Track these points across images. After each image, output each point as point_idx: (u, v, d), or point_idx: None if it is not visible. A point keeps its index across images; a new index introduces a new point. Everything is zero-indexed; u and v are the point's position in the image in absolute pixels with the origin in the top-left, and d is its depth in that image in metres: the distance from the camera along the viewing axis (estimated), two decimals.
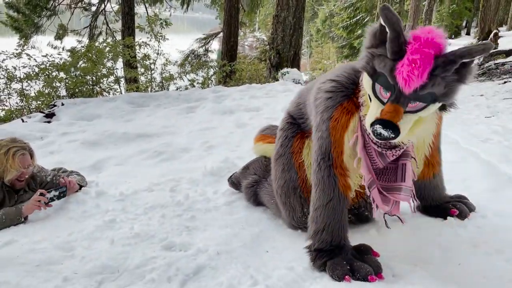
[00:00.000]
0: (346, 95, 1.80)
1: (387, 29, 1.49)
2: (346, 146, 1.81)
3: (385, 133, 1.51)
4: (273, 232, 2.23)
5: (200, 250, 2.03)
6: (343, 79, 1.82)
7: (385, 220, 2.00)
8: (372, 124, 1.55)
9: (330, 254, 1.79)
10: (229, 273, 1.85)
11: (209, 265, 1.91)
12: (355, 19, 22.99)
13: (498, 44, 13.52)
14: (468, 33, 29.20)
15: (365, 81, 1.65)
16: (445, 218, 2.17)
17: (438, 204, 2.26)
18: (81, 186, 2.86)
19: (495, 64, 10.64)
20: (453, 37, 26.12)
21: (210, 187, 2.91)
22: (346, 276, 1.69)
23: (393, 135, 1.51)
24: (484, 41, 1.58)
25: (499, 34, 15.21)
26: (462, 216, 2.18)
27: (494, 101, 6.35)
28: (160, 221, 2.39)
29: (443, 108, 1.70)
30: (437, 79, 1.46)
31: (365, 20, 22.37)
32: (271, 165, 2.30)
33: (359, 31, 22.73)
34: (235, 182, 2.76)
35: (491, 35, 13.80)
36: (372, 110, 1.60)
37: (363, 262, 1.74)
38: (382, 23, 1.50)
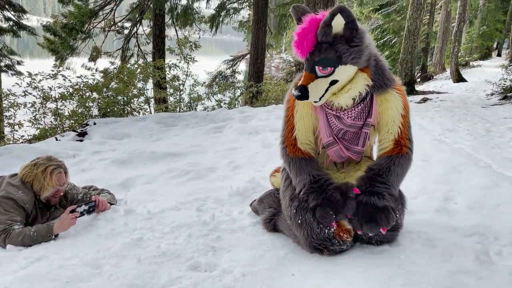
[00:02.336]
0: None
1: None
2: (297, 122, 2.24)
3: (295, 93, 2.03)
4: (298, 255, 2.20)
5: (226, 271, 2.02)
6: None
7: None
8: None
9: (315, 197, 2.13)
10: None
11: (234, 286, 1.90)
12: (382, 40, 22.89)
13: None
14: (499, 55, 28.62)
15: None
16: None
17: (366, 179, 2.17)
18: (111, 204, 2.92)
19: None
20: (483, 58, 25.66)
21: (236, 207, 2.92)
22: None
23: (300, 94, 2.01)
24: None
25: None
26: (356, 222, 2.08)
27: None
28: (186, 240, 2.40)
29: (378, 85, 2.09)
30: (322, 45, 1.94)
31: (393, 41, 22.26)
32: (280, 196, 2.42)
33: (387, 52, 22.61)
34: (255, 210, 2.78)
35: None
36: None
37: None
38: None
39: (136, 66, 8.83)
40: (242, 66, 18.32)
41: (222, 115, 6.95)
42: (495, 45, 30.05)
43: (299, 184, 2.20)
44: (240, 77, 17.03)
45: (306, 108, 2.22)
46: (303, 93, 2.00)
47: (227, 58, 17.26)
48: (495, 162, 3.83)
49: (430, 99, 12.07)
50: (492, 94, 11.27)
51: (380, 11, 22.04)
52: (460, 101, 10.92)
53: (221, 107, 10.08)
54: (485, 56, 26.58)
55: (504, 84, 11.32)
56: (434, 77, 21.68)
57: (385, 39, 22.67)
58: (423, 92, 14.62)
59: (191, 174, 3.80)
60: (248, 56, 15.15)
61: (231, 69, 16.59)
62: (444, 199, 2.90)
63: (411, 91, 14.83)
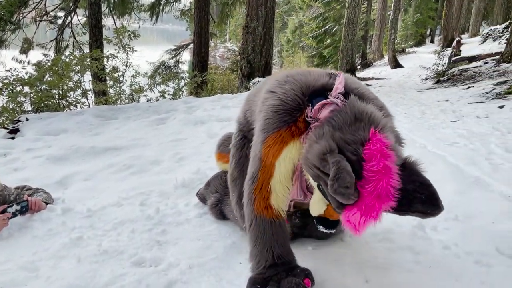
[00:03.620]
0: (285, 121, 1.63)
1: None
2: (277, 171, 1.68)
3: (327, 231, 1.73)
4: (246, 243, 2.19)
5: (172, 265, 1.97)
6: (288, 100, 1.65)
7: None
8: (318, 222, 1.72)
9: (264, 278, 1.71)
10: (201, 286, 1.80)
11: (181, 279, 1.86)
12: (324, 28, 23.40)
13: (461, 51, 14.04)
14: (432, 41, 30.25)
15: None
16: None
17: None
18: (47, 203, 2.75)
19: (458, 70, 11.02)
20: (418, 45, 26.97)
21: (182, 200, 2.86)
22: None
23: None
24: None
25: (462, 41, 15.79)
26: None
27: (459, 106, 6.56)
28: (130, 236, 2.31)
29: None
30: None
31: (334, 29, 22.82)
32: (229, 186, 2.24)
33: (328, 41, 23.16)
34: (202, 198, 2.74)
35: (454, 42, 14.30)
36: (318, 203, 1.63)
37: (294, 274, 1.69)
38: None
39: (71, 57, 8.38)
40: (186, 56, 18.03)
41: (166, 106, 6.79)
42: (428, 32, 31.69)
43: (255, 257, 1.77)
44: (184, 67, 16.75)
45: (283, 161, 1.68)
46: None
47: (170, 48, 16.90)
48: (429, 143, 4.04)
49: (370, 85, 12.53)
50: (426, 79, 11.90)
51: (320, 0, 22.46)
52: (397, 86, 11.44)
53: (165, 98, 9.86)
54: (420, 42, 28.00)
55: (437, 69, 11.98)
56: (374, 63, 22.55)
57: (327, 27, 23.18)
58: (364, 79, 15.16)
59: (133, 168, 3.67)
60: (191, 45, 14.92)
61: (174, 59, 16.27)
62: None
63: None
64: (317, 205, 1.64)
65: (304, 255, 1.92)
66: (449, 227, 2.21)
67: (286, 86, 1.70)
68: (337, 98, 1.60)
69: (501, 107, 5.80)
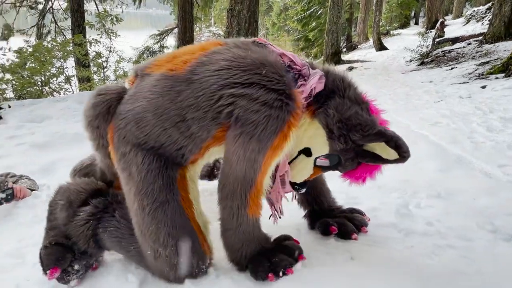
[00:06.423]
0: (283, 119, 1.47)
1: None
2: (271, 168, 1.59)
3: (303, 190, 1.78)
4: None
5: None
6: (281, 86, 1.48)
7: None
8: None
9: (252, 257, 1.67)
10: None
11: None
12: (309, 11, 23.25)
13: (444, 32, 14.12)
14: (416, 23, 30.32)
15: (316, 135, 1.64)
16: (326, 234, 1.96)
17: (326, 212, 2.05)
18: (32, 190, 2.73)
19: (442, 51, 11.11)
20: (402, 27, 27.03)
21: None
22: (269, 275, 1.59)
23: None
24: None
25: (445, 23, 15.87)
26: (344, 236, 1.94)
27: (442, 87, 6.64)
28: None
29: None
30: None
31: (319, 12, 22.70)
32: (138, 215, 1.62)
33: (313, 24, 23.04)
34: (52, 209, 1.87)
35: (438, 24, 14.37)
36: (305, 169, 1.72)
37: (283, 251, 1.68)
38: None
39: (53, 43, 8.21)
40: (171, 41, 17.78)
41: None
42: (412, 14, 31.73)
43: (243, 250, 1.67)
44: (169, 52, 16.51)
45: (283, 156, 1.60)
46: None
47: (154, 32, 16.64)
48: (413, 123, 4.10)
49: (356, 68, 12.57)
50: (411, 61, 11.97)
51: None
52: (382, 69, 11.49)
53: None
54: (404, 24, 28.02)
55: (421, 50, 12.05)
56: (359, 46, 22.56)
57: (312, 10, 23.05)
58: (349, 61, 15.19)
59: None
60: (176, 30, 14.70)
61: (159, 43, 16.06)
62: None
63: (338, 60, 15.31)
64: (302, 174, 1.73)
65: (290, 233, 1.94)
66: (432, 204, 2.26)
67: (267, 72, 1.50)
68: (305, 67, 1.63)
69: (483, 87, 5.88)
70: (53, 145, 4.02)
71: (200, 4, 16.33)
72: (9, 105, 5.59)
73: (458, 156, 2.99)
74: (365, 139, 1.55)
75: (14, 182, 2.74)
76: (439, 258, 1.74)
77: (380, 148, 1.56)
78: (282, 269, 1.61)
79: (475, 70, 7.47)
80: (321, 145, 1.64)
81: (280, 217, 1.82)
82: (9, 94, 7.09)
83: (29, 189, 2.72)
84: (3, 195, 2.49)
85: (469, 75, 7.19)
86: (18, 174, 2.93)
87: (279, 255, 1.66)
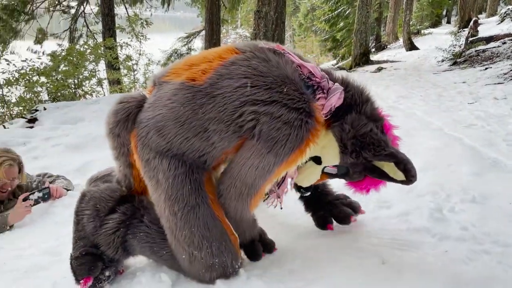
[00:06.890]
0: (308, 129, 1.52)
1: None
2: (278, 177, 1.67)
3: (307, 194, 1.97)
4: None
5: None
6: (302, 104, 1.52)
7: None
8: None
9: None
10: None
11: None
12: (336, 11, 23.02)
13: (478, 31, 13.71)
14: (448, 22, 29.57)
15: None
16: (321, 228, 2.07)
17: (323, 200, 2.10)
18: (67, 190, 2.82)
19: (476, 51, 10.79)
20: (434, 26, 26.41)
21: None
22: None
23: None
24: None
25: (479, 21, 15.41)
26: (342, 222, 2.05)
27: (476, 88, 6.45)
28: None
29: None
30: None
31: (347, 12, 22.45)
32: (174, 217, 1.62)
33: (341, 24, 22.81)
34: (79, 214, 1.88)
35: (471, 23, 13.96)
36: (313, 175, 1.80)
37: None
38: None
39: (85, 47, 8.46)
40: (198, 43, 17.96)
41: None
42: (444, 13, 30.97)
43: (245, 235, 1.80)
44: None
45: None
46: None
47: (182, 35, 16.87)
48: (446, 125, 4.00)
49: (385, 68, 12.37)
50: (442, 61, 11.68)
51: None
52: (413, 69, 11.26)
53: None
54: (436, 23, 27.39)
55: (454, 50, 11.74)
56: (388, 46, 22.17)
57: (340, 10, 22.82)
58: (378, 62, 14.95)
59: None
60: (203, 32, 14.85)
61: (186, 46, 16.26)
62: None
63: (366, 61, 15.10)
64: (309, 178, 1.82)
65: (324, 235, 1.93)
66: (466, 208, 2.20)
67: (283, 88, 1.53)
68: (324, 79, 1.64)
69: None
70: (86, 146, 4.14)
71: (227, 6, 16.45)
72: (44, 107, 5.79)
73: (494, 159, 2.90)
74: (376, 158, 1.60)
75: (51, 182, 2.83)
76: (474, 264, 1.69)
77: (389, 167, 1.62)
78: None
79: (511, 70, 7.22)
80: (333, 156, 1.69)
81: (281, 208, 1.92)
82: (44, 96, 7.33)
83: (65, 188, 2.81)
84: (40, 195, 2.58)
85: (504, 76, 6.96)
86: (55, 175, 3.04)
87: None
